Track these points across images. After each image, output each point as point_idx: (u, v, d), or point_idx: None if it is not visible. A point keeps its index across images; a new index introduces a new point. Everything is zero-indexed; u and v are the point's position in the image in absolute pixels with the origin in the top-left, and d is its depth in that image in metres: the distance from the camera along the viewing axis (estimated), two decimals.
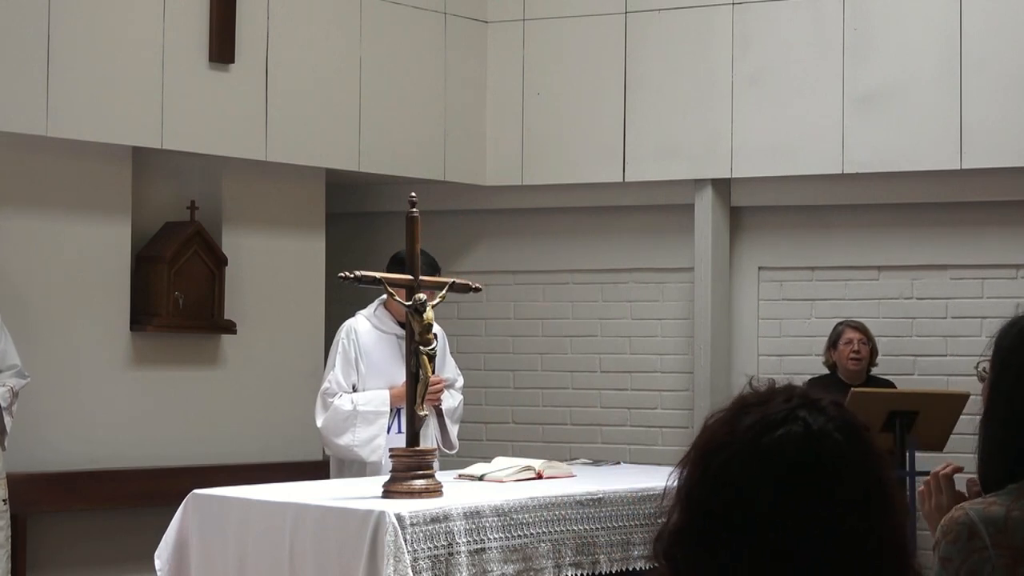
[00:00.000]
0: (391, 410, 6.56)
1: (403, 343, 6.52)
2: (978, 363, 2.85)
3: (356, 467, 6.59)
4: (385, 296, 6.57)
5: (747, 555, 1.80)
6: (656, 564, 1.89)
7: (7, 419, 6.83)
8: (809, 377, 8.12)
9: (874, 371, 8.19)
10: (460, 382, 6.99)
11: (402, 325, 6.55)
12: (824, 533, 1.80)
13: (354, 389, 6.61)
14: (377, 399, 6.56)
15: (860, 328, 8.16)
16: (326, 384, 6.62)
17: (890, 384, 8.10)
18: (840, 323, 8.25)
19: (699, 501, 1.85)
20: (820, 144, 8.42)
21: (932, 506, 2.81)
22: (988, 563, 2.51)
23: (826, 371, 8.21)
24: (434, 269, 6.42)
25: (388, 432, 6.54)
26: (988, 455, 2.67)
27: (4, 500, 6.82)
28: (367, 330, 6.68)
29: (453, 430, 6.75)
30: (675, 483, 1.89)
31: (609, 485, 5.91)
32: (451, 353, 7.12)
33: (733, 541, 1.81)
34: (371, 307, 6.78)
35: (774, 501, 1.80)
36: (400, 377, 6.49)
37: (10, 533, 6.87)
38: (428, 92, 8.89)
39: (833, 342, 8.17)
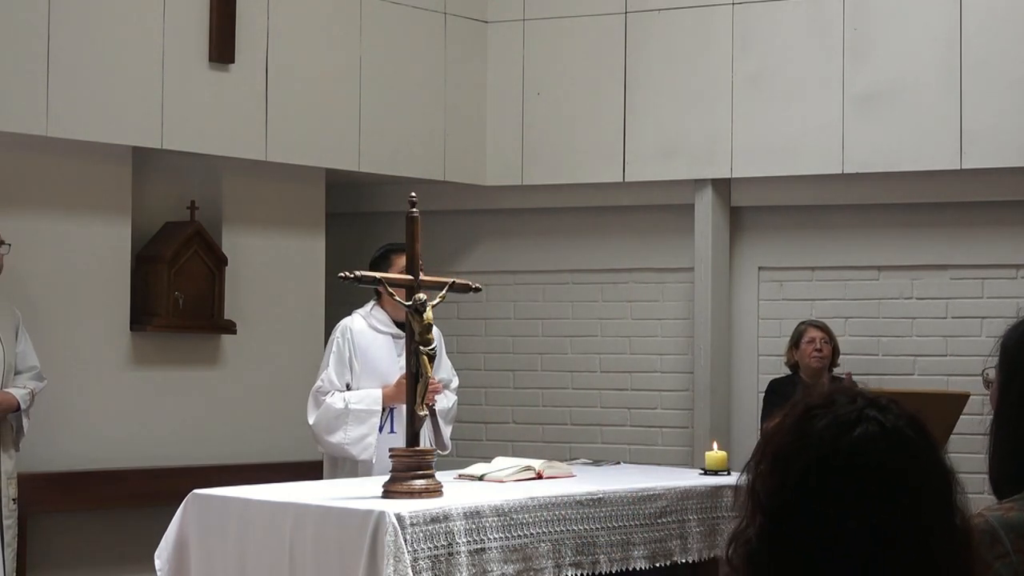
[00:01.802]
0: (383, 409, 6.58)
1: (399, 342, 6.55)
2: (983, 368, 2.84)
3: (349, 466, 6.61)
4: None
5: (837, 554, 1.83)
6: (732, 567, 1.91)
7: (24, 421, 6.90)
8: (770, 379, 8.15)
9: (836, 371, 8.19)
10: (455, 382, 7.00)
11: (397, 324, 6.57)
12: (907, 526, 1.84)
13: (348, 388, 6.62)
14: (369, 398, 6.57)
15: (822, 327, 8.18)
16: (319, 382, 6.64)
17: (847, 379, 8.10)
18: (802, 323, 8.27)
19: (781, 508, 1.87)
20: (820, 144, 8.42)
21: None
22: (1010, 568, 2.51)
23: (787, 372, 8.22)
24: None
25: (380, 431, 6.56)
26: (999, 459, 2.67)
27: (13, 500, 6.86)
28: (362, 329, 6.70)
29: (446, 431, 6.76)
30: (747, 488, 1.92)
31: (609, 485, 5.91)
32: (450, 353, 7.13)
33: (822, 543, 1.84)
34: (367, 306, 6.80)
35: (858, 500, 1.84)
36: (394, 376, 6.51)
37: (17, 532, 6.90)
38: (428, 92, 8.89)
39: (795, 341, 8.18)
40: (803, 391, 2.01)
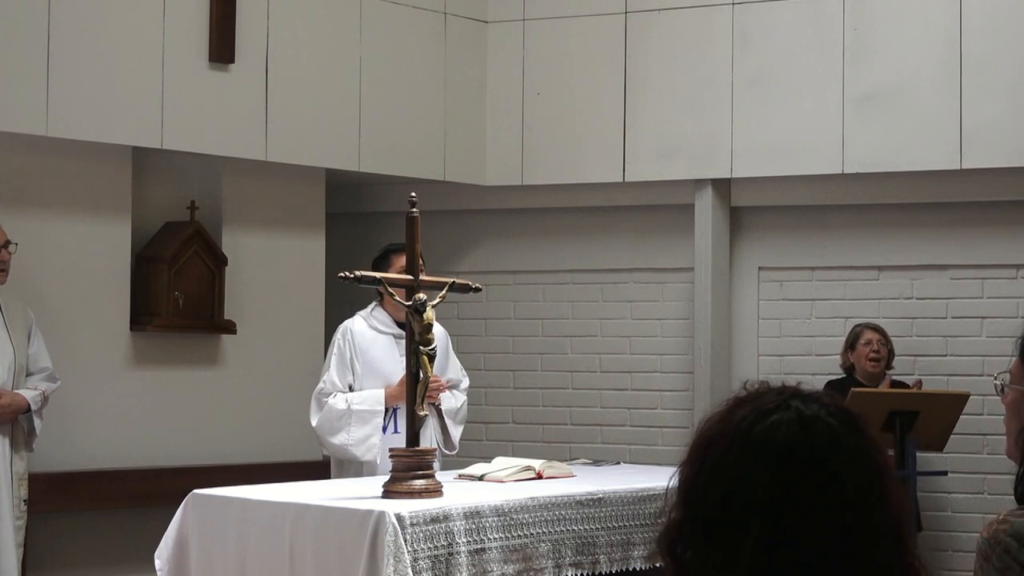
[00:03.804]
0: (386, 410, 6.58)
1: (401, 343, 6.55)
2: (997, 374, 2.83)
3: (355, 466, 6.61)
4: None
5: (748, 545, 1.81)
6: (661, 562, 1.89)
7: (36, 422, 6.91)
8: (827, 380, 8.07)
9: (889, 373, 8.17)
10: (465, 383, 6.99)
11: (399, 324, 6.57)
12: (821, 518, 1.80)
13: (351, 389, 6.62)
14: (372, 398, 6.57)
15: (878, 329, 8.14)
16: (321, 384, 6.65)
17: (905, 385, 8.08)
18: (858, 324, 8.22)
19: (698, 495, 1.86)
20: (820, 144, 8.42)
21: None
22: None
23: (842, 374, 8.17)
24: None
25: (384, 432, 6.56)
26: None
27: (24, 501, 6.88)
28: (363, 330, 6.70)
29: (455, 431, 6.75)
30: (675, 482, 1.90)
31: (609, 485, 5.91)
32: (455, 354, 7.12)
33: (733, 532, 1.81)
34: (369, 307, 6.81)
35: (770, 488, 1.81)
36: (396, 376, 6.52)
37: (24, 535, 6.92)
38: (428, 92, 8.89)
39: (851, 343, 8.13)
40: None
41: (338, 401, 6.56)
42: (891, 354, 8.14)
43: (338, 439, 6.54)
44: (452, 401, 6.76)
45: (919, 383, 8.06)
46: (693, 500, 1.86)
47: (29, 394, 6.89)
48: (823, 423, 1.84)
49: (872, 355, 8.04)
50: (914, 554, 1.88)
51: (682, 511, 1.87)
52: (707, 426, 1.90)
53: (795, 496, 1.80)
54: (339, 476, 6.68)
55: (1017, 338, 2.72)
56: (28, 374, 7.00)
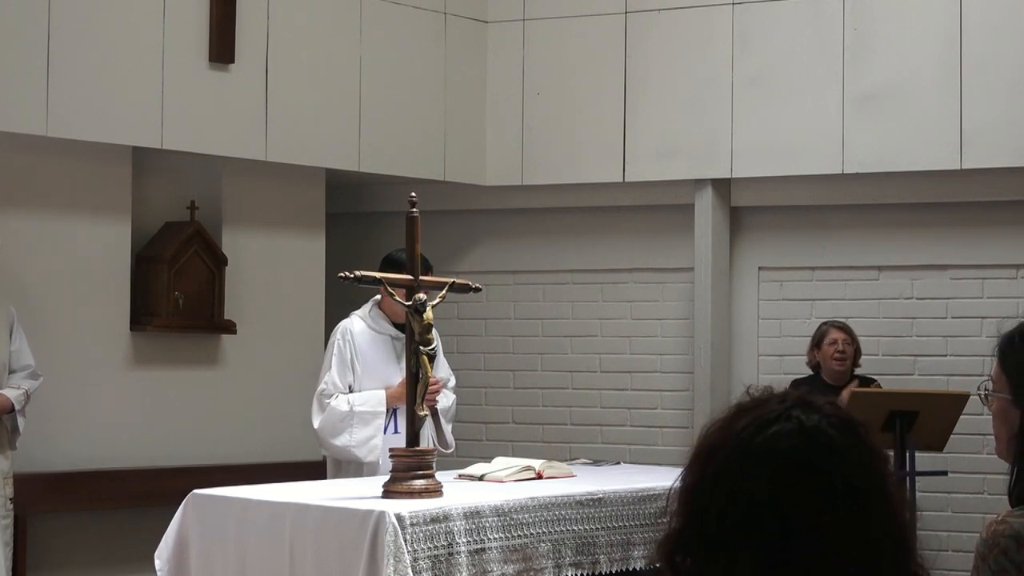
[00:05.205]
0: (387, 410, 6.58)
1: (397, 343, 6.56)
2: (980, 384, 2.83)
3: (353, 468, 6.60)
4: (379, 296, 6.60)
5: (747, 554, 1.81)
6: (659, 567, 1.89)
7: (20, 420, 6.89)
8: (792, 379, 8.09)
9: (858, 371, 8.18)
10: (452, 381, 7.00)
11: (396, 325, 6.57)
12: (821, 528, 1.80)
13: (350, 389, 6.61)
14: (373, 399, 6.56)
15: (844, 328, 8.15)
16: (322, 385, 6.62)
17: (875, 382, 8.08)
18: (824, 323, 8.24)
19: (698, 503, 1.85)
20: (820, 144, 8.42)
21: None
22: None
23: (809, 372, 8.19)
24: (427, 267, 6.41)
25: (384, 432, 6.56)
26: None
27: (9, 499, 6.86)
28: (362, 330, 6.69)
29: (447, 429, 6.76)
30: (676, 489, 1.90)
31: (609, 485, 5.91)
32: (450, 353, 7.13)
33: (733, 541, 1.81)
34: (365, 307, 6.78)
35: (770, 499, 1.81)
36: (395, 377, 6.51)
37: (13, 532, 6.90)
38: (428, 92, 8.89)
39: (817, 342, 8.16)
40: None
41: (340, 403, 6.55)
42: (857, 353, 8.14)
43: (340, 440, 6.53)
44: (444, 400, 6.76)
45: (877, 384, 8.05)
46: (694, 509, 1.86)
47: (12, 393, 6.87)
48: (824, 434, 1.84)
49: (837, 355, 8.05)
50: (918, 561, 1.88)
51: (682, 520, 1.87)
52: (709, 434, 1.89)
53: (795, 507, 1.80)
54: (336, 476, 6.67)
55: (995, 343, 2.72)
56: (11, 372, 6.97)
